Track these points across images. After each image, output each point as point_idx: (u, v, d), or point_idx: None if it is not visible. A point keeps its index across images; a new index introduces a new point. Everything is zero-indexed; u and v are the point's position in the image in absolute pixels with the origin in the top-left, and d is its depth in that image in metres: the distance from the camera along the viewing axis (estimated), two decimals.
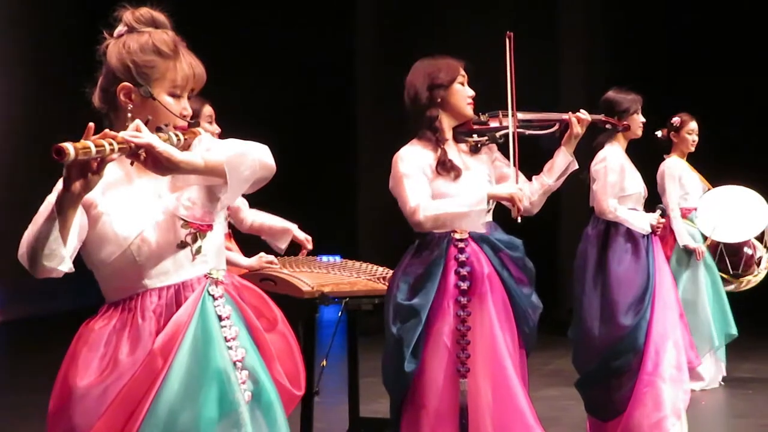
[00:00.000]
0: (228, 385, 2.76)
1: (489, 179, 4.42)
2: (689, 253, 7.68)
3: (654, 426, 5.68)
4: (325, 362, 5.18)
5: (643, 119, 6.01)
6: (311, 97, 12.92)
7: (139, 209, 2.79)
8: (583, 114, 4.60)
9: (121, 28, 2.84)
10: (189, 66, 2.85)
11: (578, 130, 4.55)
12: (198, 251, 2.83)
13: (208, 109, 5.30)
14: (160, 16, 2.88)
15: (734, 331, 7.78)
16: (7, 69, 11.89)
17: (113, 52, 2.82)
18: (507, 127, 4.40)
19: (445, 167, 4.31)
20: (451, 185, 4.31)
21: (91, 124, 2.56)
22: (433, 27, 11.68)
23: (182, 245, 2.81)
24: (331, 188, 12.39)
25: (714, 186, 7.83)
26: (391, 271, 5.21)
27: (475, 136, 4.41)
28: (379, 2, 12.00)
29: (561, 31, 11.41)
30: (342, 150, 12.30)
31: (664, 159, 7.79)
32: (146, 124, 2.71)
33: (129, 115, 2.77)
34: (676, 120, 7.76)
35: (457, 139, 4.44)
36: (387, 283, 5.11)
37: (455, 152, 4.39)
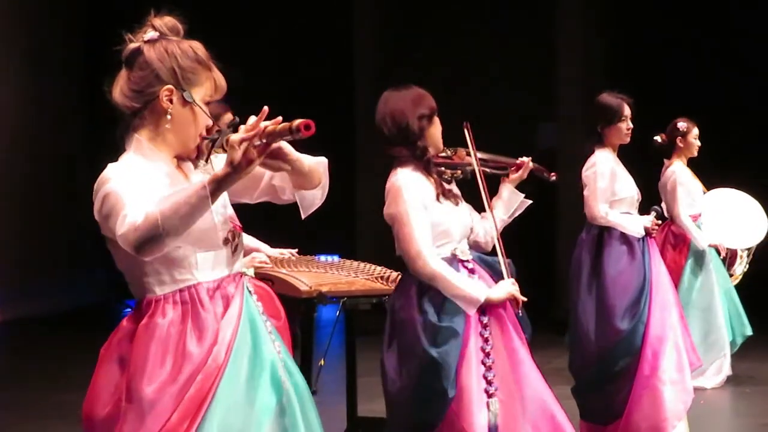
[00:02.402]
0: (277, 375, 2.88)
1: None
2: (702, 259, 7.66)
3: (652, 429, 5.69)
4: (323, 361, 5.18)
5: (629, 125, 5.98)
6: (309, 96, 12.92)
7: None
8: (529, 162, 4.70)
9: (153, 34, 2.92)
10: (221, 78, 2.97)
11: (524, 174, 4.67)
12: (236, 249, 2.96)
13: (228, 117, 5.24)
14: (180, 26, 2.98)
15: (749, 331, 7.85)
16: (8, 70, 11.92)
17: (154, 55, 2.89)
18: (469, 164, 4.45)
19: (447, 196, 4.30)
20: (453, 211, 4.29)
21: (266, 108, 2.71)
22: (431, 32, 11.69)
23: (225, 242, 2.92)
24: (330, 188, 12.38)
25: (708, 190, 7.85)
26: (389, 271, 5.21)
27: (443, 168, 4.42)
28: (377, 6, 12.01)
29: (558, 35, 11.40)
30: (340, 150, 12.29)
31: (664, 163, 7.76)
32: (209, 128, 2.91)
33: (169, 117, 2.88)
34: (682, 125, 7.67)
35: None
36: (385, 284, 5.12)
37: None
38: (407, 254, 4.18)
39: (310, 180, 3.01)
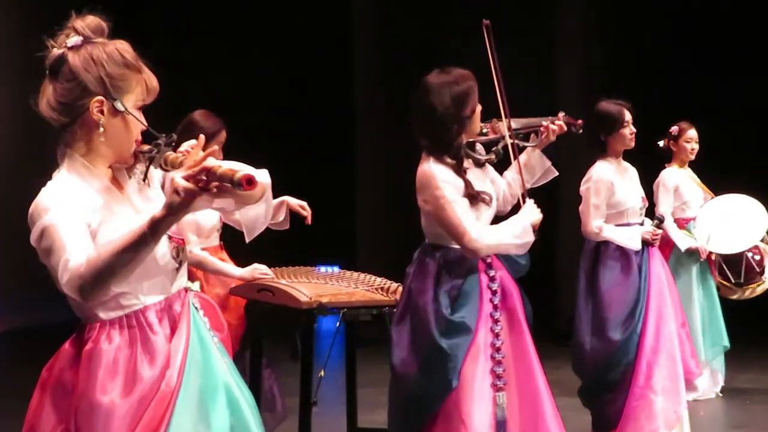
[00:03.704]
0: (231, 393, 2.82)
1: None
2: (682, 264, 7.62)
3: None
4: (323, 372, 5.18)
5: (632, 130, 5.93)
6: (309, 97, 12.91)
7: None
8: (560, 120, 4.69)
9: (76, 39, 2.76)
10: (152, 79, 2.83)
11: (553, 137, 4.64)
12: (180, 264, 2.86)
13: (223, 135, 5.25)
14: (105, 24, 2.82)
15: (726, 343, 7.74)
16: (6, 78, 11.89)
17: (80, 64, 2.73)
18: (503, 137, 4.42)
19: (476, 200, 4.28)
20: (475, 213, 4.30)
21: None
22: (431, 33, 11.64)
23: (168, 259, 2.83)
24: (330, 198, 12.34)
25: (715, 194, 7.79)
26: (389, 282, 5.22)
27: (477, 146, 4.40)
28: (377, 6, 11.98)
29: (558, 35, 11.38)
30: (340, 160, 12.27)
31: (665, 168, 7.75)
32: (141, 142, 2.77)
33: (101, 129, 2.74)
34: (674, 129, 7.69)
35: None
36: (386, 295, 5.11)
37: (473, 175, 4.35)
38: (455, 237, 4.20)
39: (251, 197, 2.83)
